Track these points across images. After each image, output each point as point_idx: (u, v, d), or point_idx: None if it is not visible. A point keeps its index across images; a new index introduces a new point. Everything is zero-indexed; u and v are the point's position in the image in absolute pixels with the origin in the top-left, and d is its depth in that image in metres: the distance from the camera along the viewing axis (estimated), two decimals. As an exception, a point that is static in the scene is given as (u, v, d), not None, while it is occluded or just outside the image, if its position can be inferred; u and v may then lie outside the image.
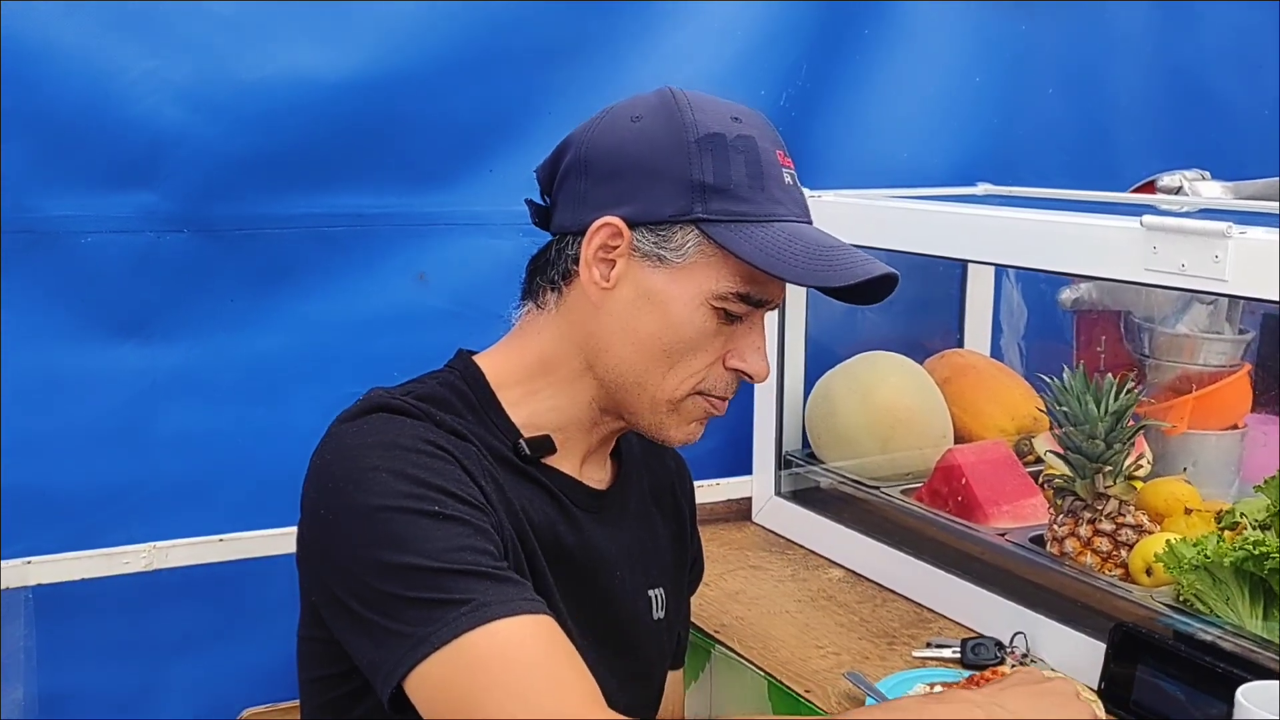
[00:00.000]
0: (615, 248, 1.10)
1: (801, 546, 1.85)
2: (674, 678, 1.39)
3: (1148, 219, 1.27)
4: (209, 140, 1.63)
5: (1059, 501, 1.52)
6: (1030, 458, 1.83)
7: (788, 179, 1.13)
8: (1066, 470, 1.52)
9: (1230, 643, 1.25)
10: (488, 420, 1.14)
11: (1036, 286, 2.07)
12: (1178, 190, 1.81)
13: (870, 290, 1.12)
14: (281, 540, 1.73)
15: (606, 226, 1.10)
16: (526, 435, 1.15)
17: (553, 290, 1.16)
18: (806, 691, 1.38)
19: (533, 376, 1.17)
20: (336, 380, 1.72)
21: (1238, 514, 1.38)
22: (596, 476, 1.22)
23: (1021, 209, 1.53)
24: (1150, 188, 1.87)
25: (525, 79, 1.81)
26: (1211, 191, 1.80)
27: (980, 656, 1.44)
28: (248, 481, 1.73)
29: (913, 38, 2.07)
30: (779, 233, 1.09)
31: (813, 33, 1.99)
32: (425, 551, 0.98)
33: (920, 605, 1.62)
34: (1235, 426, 1.74)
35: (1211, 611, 1.29)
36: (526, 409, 1.16)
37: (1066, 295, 1.95)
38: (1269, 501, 1.34)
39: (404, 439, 1.04)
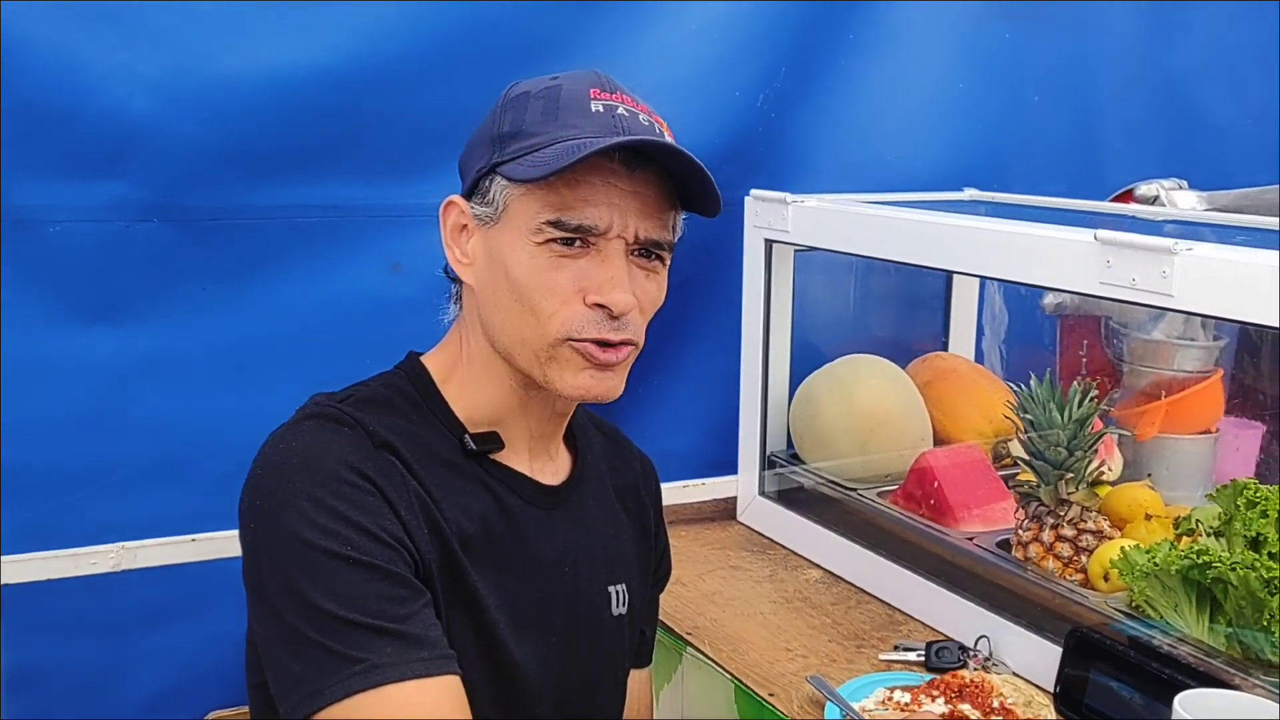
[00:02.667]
0: (464, 225, 1.16)
1: (783, 547, 1.88)
2: (640, 677, 1.41)
3: (1101, 234, 1.30)
4: (180, 131, 1.65)
5: (1025, 507, 1.55)
6: (1008, 461, 1.85)
7: (597, 107, 1.13)
8: (1033, 476, 1.55)
9: (1178, 649, 1.28)
10: (432, 417, 1.18)
11: (1019, 291, 2.09)
12: (1154, 199, 1.84)
13: (692, 188, 1.13)
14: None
15: (450, 206, 1.18)
16: (472, 430, 1.19)
17: (456, 284, 1.22)
18: (770, 695, 1.41)
19: (465, 371, 1.20)
20: (310, 368, 1.73)
21: (1193, 521, 1.40)
22: (549, 471, 1.25)
23: (986, 218, 1.56)
24: (1128, 196, 1.89)
25: (501, 75, 1.76)
26: (1187, 201, 1.83)
27: (944, 660, 1.47)
28: (220, 469, 1.71)
29: (896, 42, 2.09)
30: (564, 146, 1.09)
31: (792, 35, 2.00)
32: (335, 596, 1.03)
33: (892, 607, 1.66)
34: (1208, 431, 1.77)
35: (1161, 618, 1.32)
36: (465, 403, 1.19)
37: (1049, 300, 1.98)
38: (1221, 509, 1.37)
39: (328, 461, 1.08)
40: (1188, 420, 1.76)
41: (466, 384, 1.20)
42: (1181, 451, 1.75)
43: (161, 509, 1.74)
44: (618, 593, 1.30)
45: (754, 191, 1.84)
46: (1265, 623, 1.22)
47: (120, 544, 1.72)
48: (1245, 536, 1.31)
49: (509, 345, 1.15)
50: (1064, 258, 1.36)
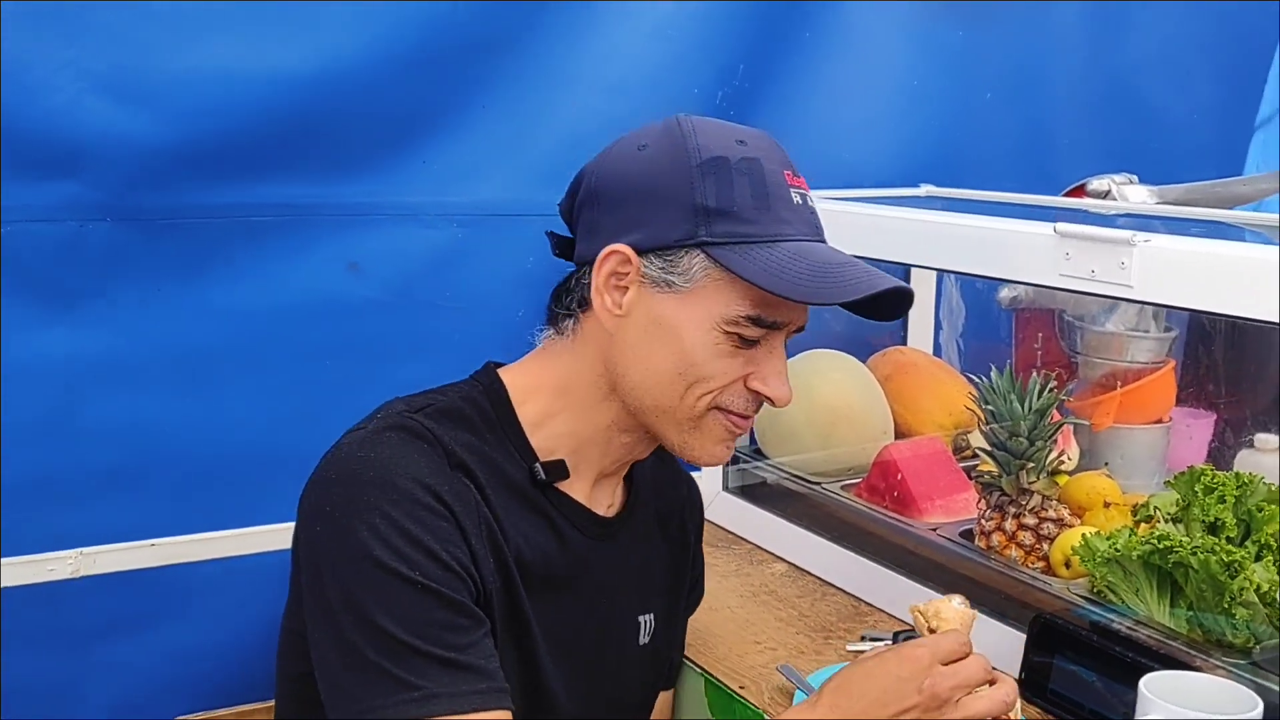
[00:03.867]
0: (625, 274, 1.13)
1: (748, 542, 1.89)
2: (664, 698, 1.44)
3: (1060, 226, 1.32)
4: (133, 130, 1.62)
5: (986, 497, 1.58)
6: (968, 452, 1.88)
7: (796, 198, 1.14)
8: (993, 467, 1.57)
9: (1140, 633, 1.30)
10: (504, 439, 1.17)
11: (975, 286, 2.12)
12: (1106, 194, 1.87)
13: (885, 306, 1.14)
14: (213, 544, 1.77)
15: (614, 254, 1.13)
16: (542, 459, 1.18)
17: (570, 318, 1.19)
18: (741, 688, 1.42)
19: (551, 399, 1.19)
20: (267, 371, 1.76)
21: (1151, 508, 1.43)
22: (606, 502, 1.26)
23: (945, 213, 1.58)
24: (1081, 191, 1.92)
25: (458, 72, 1.81)
26: (1138, 195, 1.86)
27: (909, 647, 1.49)
28: (178, 473, 1.73)
29: (852, 41, 2.11)
30: (784, 252, 1.10)
31: (750, 33, 2.01)
32: (401, 621, 1.03)
33: (858, 599, 1.67)
34: (1161, 421, 1.80)
35: (1123, 603, 1.34)
36: (544, 431, 1.19)
37: (1004, 294, 2.00)
38: (1179, 495, 1.39)
39: (405, 482, 1.07)
40: (1141, 410, 1.79)
41: (555, 414, 1.19)
42: (1136, 440, 1.78)
43: (120, 515, 1.71)
44: (646, 622, 1.32)
45: (714, 189, 1.85)
46: (1226, 605, 1.25)
47: (79, 550, 1.69)
48: (1203, 521, 1.34)
49: (644, 404, 1.15)
50: (1024, 251, 1.39)
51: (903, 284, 1.12)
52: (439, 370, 1.86)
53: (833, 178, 2.03)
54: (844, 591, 1.70)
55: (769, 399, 1.15)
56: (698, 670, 1.48)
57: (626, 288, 1.13)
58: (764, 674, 1.45)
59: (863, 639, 1.54)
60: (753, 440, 1.99)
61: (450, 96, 1.83)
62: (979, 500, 1.61)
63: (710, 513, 1.96)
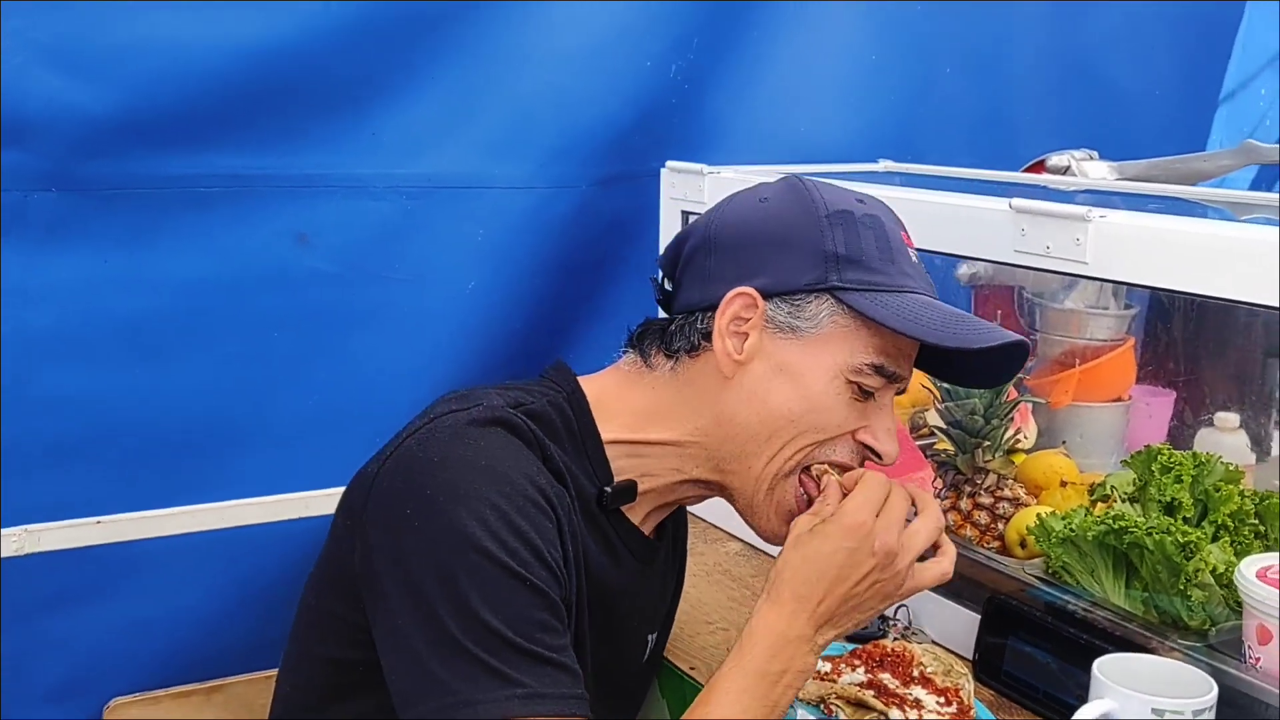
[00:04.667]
0: (748, 319, 1.12)
1: (702, 519, 1.87)
2: None
3: (1016, 202, 1.30)
4: (80, 100, 1.59)
5: (943, 476, 1.56)
6: (925, 431, 1.86)
7: (914, 256, 1.15)
8: (950, 445, 1.55)
9: (1095, 614, 1.29)
10: (584, 455, 1.15)
11: (934, 262, 2.09)
12: (1065, 170, 1.84)
13: (1003, 364, 1.15)
14: (160, 522, 1.74)
15: (741, 296, 1.11)
16: (616, 480, 1.16)
17: (669, 359, 1.17)
18: (691, 669, 1.40)
19: (636, 426, 1.17)
20: (216, 342, 1.74)
21: (1108, 487, 1.41)
22: (650, 526, 1.24)
23: (901, 188, 1.55)
24: (1040, 167, 1.90)
25: (406, 43, 1.79)
26: (1098, 171, 1.84)
27: (864, 630, 1.46)
28: (125, 446, 1.70)
29: (810, 14, 2.08)
30: (913, 301, 1.11)
31: (704, 6, 1.98)
32: (503, 615, 0.99)
33: (812, 579, 1.65)
34: (1120, 399, 1.78)
35: (1078, 583, 1.33)
36: (622, 454, 1.17)
37: (963, 271, 1.97)
38: (1136, 475, 1.38)
39: (517, 475, 1.04)
40: (1100, 388, 1.77)
41: (631, 441, 1.17)
42: (1095, 419, 1.77)
43: (66, 490, 1.68)
44: (650, 640, 1.32)
45: (669, 163, 1.82)
46: (1181, 587, 1.23)
47: (23, 527, 1.65)
48: (1160, 501, 1.32)
49: (736, 450, 1.13)
50: (979, 226, 1.36)
51: (1024, 339, 1.13)
52: (389, 343, 1.86)
53: (790, 153, 2.02)
54: (799, 572, 1.67)
55: (878, 454, 1.14)
56: (648, 653, 1.46)
57: (747, 334, 1.12)
58: (715, 654, 1.43)
59: (816, 620, 1.51)
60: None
61: (399, 67, 1.80)
62: (935, 479, 1.59)
63: (665, 492, 1.95)
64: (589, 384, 1.20)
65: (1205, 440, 1.69)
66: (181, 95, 1.65)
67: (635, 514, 1.21)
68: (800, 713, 1.22)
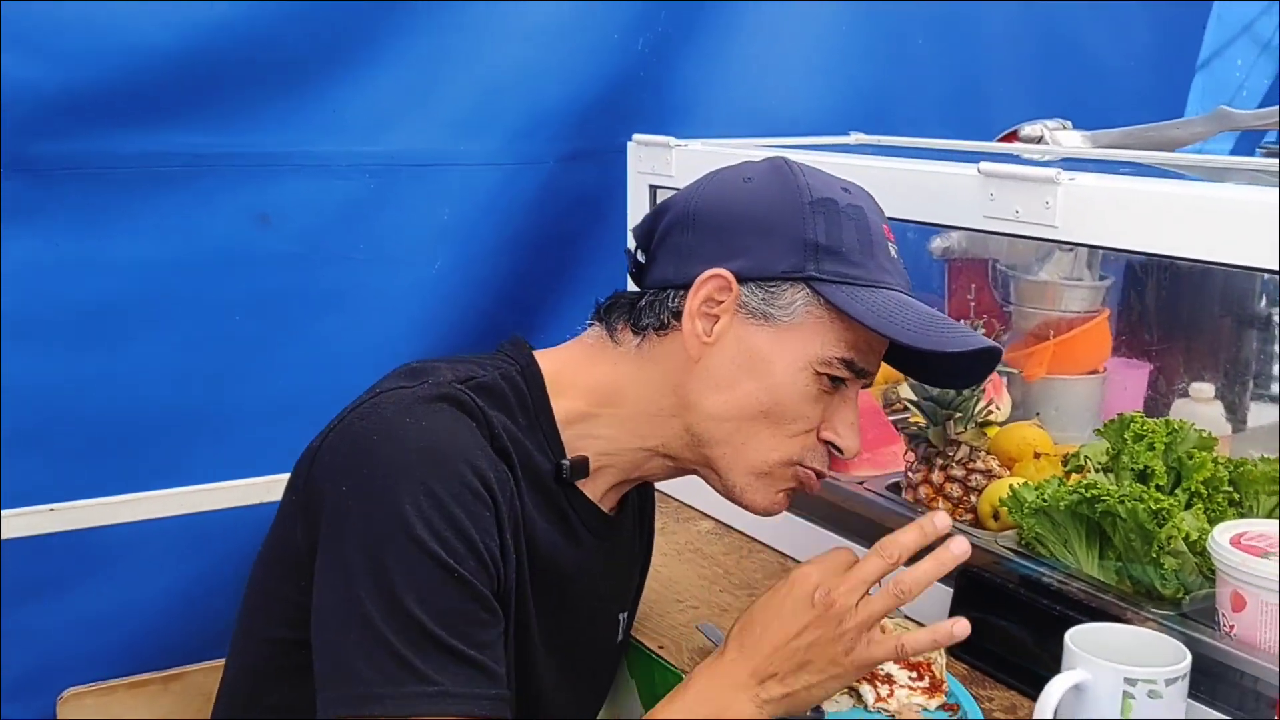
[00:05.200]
0: (721, 302, 1.09)
1: (674, 499, 1.85)
2: None
3: (984, 166, 1.27)
4: (26, 77, 1.54)
5: (914, 449, 1.54)
6: (898, 405, 1.84)
7: (893, 251, 1.13)
8: (921, 418, 1.53)
9: (1068, 585, 1.27)
10: (538, 428, 1.13)
11: (907, 235, 2.07)
12: (1039, 139, 1.82)
13: (971, 367, 1.13)
14: (117, 509, 1.71)
15: (716, 278, 1.09)
16: (570, 456, 1.14)
17: (636, 335, 1.14)
18: (660, 647, 1.38)
19: (593, 401, 1.15)
20: (175, 326, 1.70)
21: (1082, 457, 1.39)
22: (612, 498, 1.21)
23: (872, 156, 1.53)
24: (1014, 137, 1.88)
25: (368, 16, 1.75)
26: (1071, 140, 1.82)
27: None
28: (81, 434, 1.67)
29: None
30: (888, 298, 1.09)
31: None
32: (427, 606, 0.96)
33: (784, 555, 1.63)
34: (1095, 371, 1.77)
35: (1051, 554, 1.31)
36: (577, 429, 1.14)
37: (937, 244, 1.96)
38: (1109, 444, 1.36)
39: (457, 461, 1.01)
40: (1075, 360, 1.75)
41: (595, 417, 1.15)
42: (1069, 391, 1.75)
43: (21, 479, 1.64)
44: (622, 620, 1.30)
45: (637, 136, 1.79)
46: (1154, 555, 1.22)
47: None
48: (1133, 470, 1.30)
49: (714, 436, 1.11)
50: (948, 192, 1.34)
51: (996, 344, 1.11)
52: (354, 325, 1.83)
53: (761, 125, 1.99)
54: (770, 548, 1.66)
55: (839, 449, 1.13)
56: (617, 632, 1.43)
57: (718, 316, 1.10)
58: (684, 633, 1.40)
59: (789, 597, 1.49)
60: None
61: (360, 42, 1.77)
62: (906, 453, 1.56)
63: (637, 471, 1.93)
64: (548, 357, 1.17)
65: (1181, 411, 1.67)
66: (134, 71, 1.61)
67: (593, 490, 1.18)
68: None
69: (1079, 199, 1.18)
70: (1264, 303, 1.74)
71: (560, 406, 1.14)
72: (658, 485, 1.85)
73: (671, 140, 1.73)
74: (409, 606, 0.96)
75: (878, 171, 1.44)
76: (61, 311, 1.64)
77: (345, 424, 1.05)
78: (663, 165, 1.74)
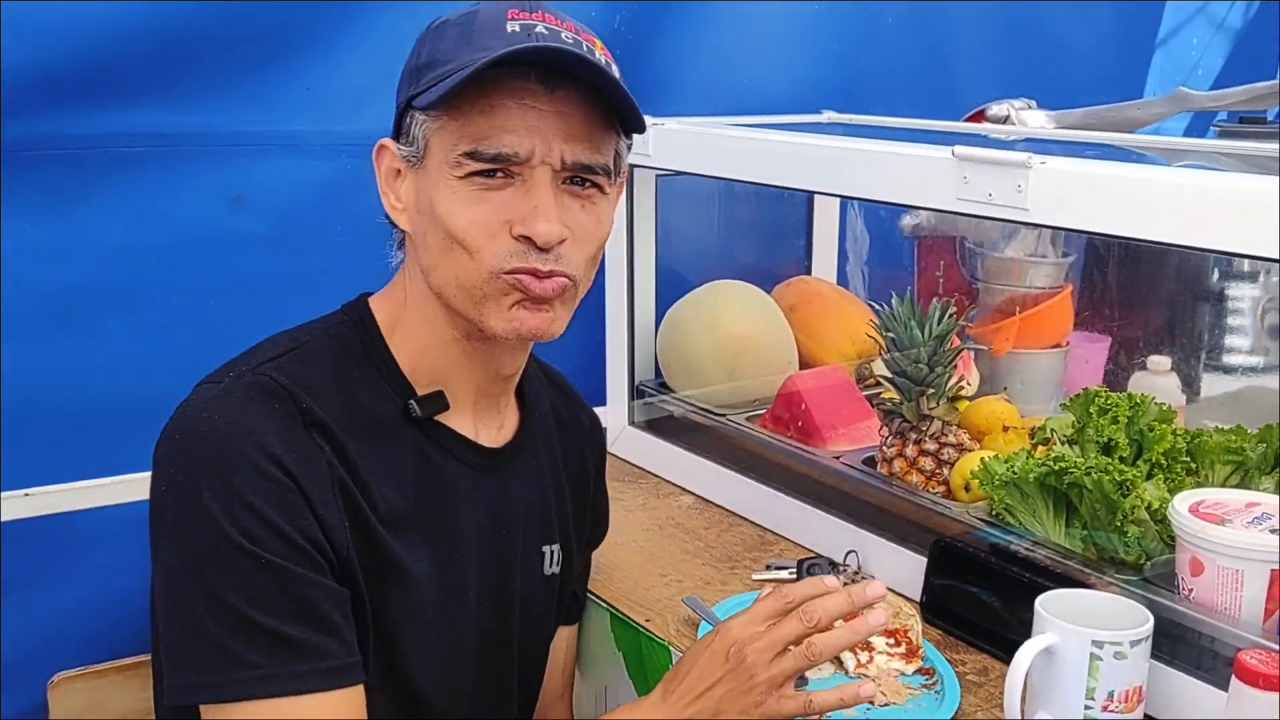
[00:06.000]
0: (398, 171, 1.12)
1: (654, 475, 1.88)
2: (568, 634, 1.44)
3: (958, 149, 1.31)
4: None
5: (888, 424, 1.58)
6: (871, 381, 1.89)
7: (514, 27, 1.06)
8: (895, 394, 1.58)
9: (1037, 554, 1.32)
10: (377, 375, 1.13)
11: (879, 213, 2.11)
12: (1005, 119, 1.87)
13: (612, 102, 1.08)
14: (90, 493, 1.70)
15: (379, 150, 1.13)
16: (420, 391, 1.14)
17: (397, 229, 1.17)
18: (646, 620, 1.41)
19: (406, 317, 1.15)
20: (147, 310, 1.68)
21: (1048, 430, 1.44)
22: (493, 431, 1.22)
23: (845, 138, 1.56)
24: (981, 116, 1.92)
25: None
26: (1036, 120, 1.86)
27: (815, 575, 1.49)
28: (53, 420, 1.65)
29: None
30: (476, 64, 1.02)
31: None
32: (241, 593, 1.00)
33: (763, 528, 1.67)
34: (1059, 345, 1.82)
35: (1021, 524, 1.36)
36: (409, 354, 1.15)
37: (906, 222, 2.01)
38: (1074, 417, 1.41)
39: (247, 448, 1.02)
40: (1040, 335, 1.81)
41: (410, 334, 1.15)
42: (1034, 365, 1.80)
43: None
44: (552, 552, 1.30)
45: (613, 115, 1.81)
46: (1119, 524, 1.27)
47: None
48: (1097, 442, 1.36)
49: (444, 287, 1.10)
50: (922, 175, 1.37)
51: (555, 46, 1.03)
52: (329, 308, 1.80)
53: (734, 104, 2.01)
54: (750, 522, 1.70)
55: (529, 237, 1.06)
56: (603, 604, 1.47)
57: (403, 181, 1.13)
58: (670, 606, 1.44)
59: (768, 568, 1.54)
60: (658, 374, 1.97)
61: (334, 18, 1.74)
62: (881, 427, 1.61)
63: (616, 447, 1.96)
64: (377, 301, 1.18)
65: (1139, 383, 1.73)
66: (100, 48, 1.57)
67: (461, 420, 1.18)
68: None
69: (1050, 182, 1.22)
70: (1216, 279, 1.80)
71: (396, 344, 1.15)
72: (630, 458, 1.89)
73: (649, 119, 1.75)
74: (225, 596, 0.99)
75: (855, 153, 1.48)
76: (30, 298, 1.61)
77: (167, 424, 1.08)
78: (640, 144, 1.77)
